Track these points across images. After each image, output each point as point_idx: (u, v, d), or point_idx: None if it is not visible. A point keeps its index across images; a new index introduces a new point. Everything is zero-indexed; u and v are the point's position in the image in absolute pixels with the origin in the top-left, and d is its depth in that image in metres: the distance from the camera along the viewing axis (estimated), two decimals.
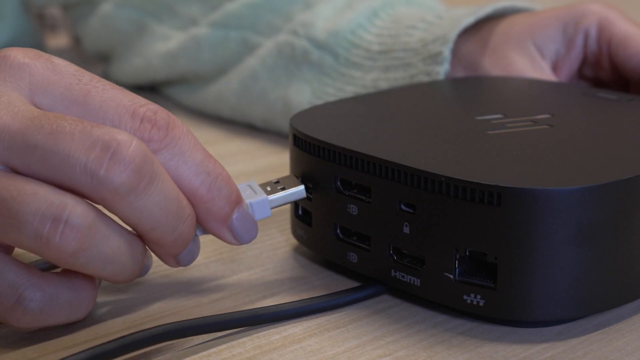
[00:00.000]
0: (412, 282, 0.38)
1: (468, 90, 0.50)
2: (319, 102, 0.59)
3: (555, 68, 0.55)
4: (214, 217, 0.37)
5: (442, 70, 0.54)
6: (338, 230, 0.40)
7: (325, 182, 0.40)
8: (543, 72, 0.53)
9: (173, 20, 0.69)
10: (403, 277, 0.38)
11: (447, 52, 0.54)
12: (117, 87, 0.35)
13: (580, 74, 0.56)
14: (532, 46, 0.54)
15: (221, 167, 0.37)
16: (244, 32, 0.64)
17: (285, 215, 0.48)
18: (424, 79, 0.54)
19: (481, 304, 0.36)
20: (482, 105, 0.47)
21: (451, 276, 0.36)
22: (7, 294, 0.33)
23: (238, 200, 0.37)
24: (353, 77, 0.58)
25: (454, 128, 0.42)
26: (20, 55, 0.35)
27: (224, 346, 0.36)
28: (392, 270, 0.38)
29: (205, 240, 0.46)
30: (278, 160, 0.59)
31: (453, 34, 0.54)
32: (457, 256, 0.36)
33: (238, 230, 0.38)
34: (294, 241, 0.46)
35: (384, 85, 0.56)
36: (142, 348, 0.34)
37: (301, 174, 0.42)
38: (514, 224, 0.34)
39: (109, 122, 0.34)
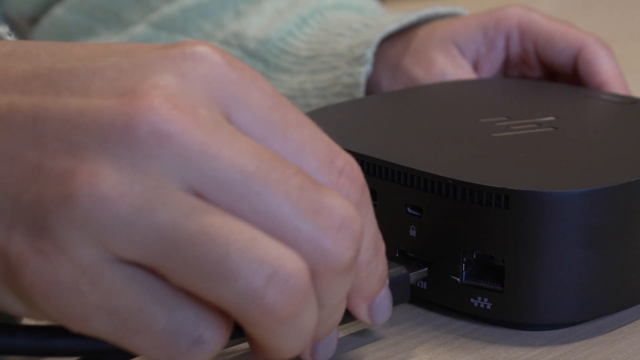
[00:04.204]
0: (418, 285, 0.38)
1: (472, 93, 0.50)
2: None
3: (476, 67, 0.56)
4: (360, 293, 0.33)
5: (363, 71, 0.55)
6: None
7: None
8: (463, 70, 0.55)
9: (119, 26, 0.69)
10: None
11: (369, 54, 0.55)
12: (308, 121, 0.30)
13: (505, 74, 0.57)
14: (453, 47, 0.55)
15: (382, 239, 0.33)
16: (174, 35, 0.65)
17: None
18: (347, 79, 0.56)
19: (488, 307, 0.36)
20: (486, 107, 0.47)
21: (458, 279, 0.36)
22: (185, 333, 0.28)
23: (385, 278, 0.33)
24: (281, 81, 0.59)
25: (459, 130, 0.42)
26: (221, 58, 0.29)
27: (225, 348, 0.36)
28: None
29: None
30: None
31: (376, 38, 0.55)
32: (464, 259, 0.36)
33: (377, 310, 0.34)
34: None
35: (309, 87, 0.58)
36: (126, 354, 0.34)
37: None
38: (522, 227, 0.35)
39: (306, 168, 0.29)
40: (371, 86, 0.57)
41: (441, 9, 0.58)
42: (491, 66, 0.56)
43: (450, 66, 0.54)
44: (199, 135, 0.27)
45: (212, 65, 0.29)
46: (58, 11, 0.73)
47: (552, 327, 0.37)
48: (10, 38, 0.33)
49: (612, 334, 0.37)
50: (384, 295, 0.34)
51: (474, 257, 0.36)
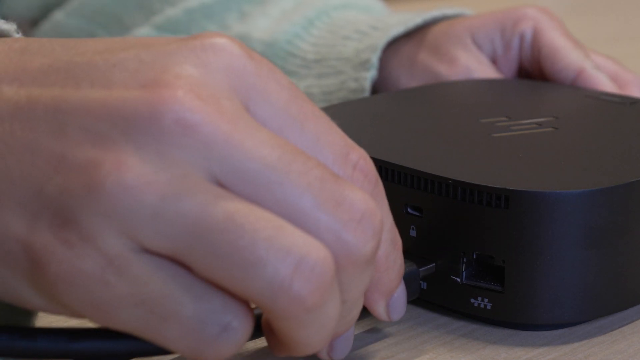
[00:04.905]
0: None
1: (472, 93, 0.51)
2: None
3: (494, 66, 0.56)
4: (379, 288, 0.33)
5: (369, 76, 0.55)
6: None
7: None
8: (487, 66, 0.54)
9: (121, 30, 0.69)
10: None
11: (374, 59, 0.55)
12: (324, 114, 0.31)
13: (519, 76, 0.57)
14: (471, 43, 0.55)
15: (398, 233, 0.33)
16: (178, 36, 0.65)
17: None
18: (352, 84, 0.56)
19: (488, 307, 0.36)
20: (486, 107, 0.47)
21: (458, 279, 0.36)
22: (213, 320, 0.28)
23: (402, 273, 0.34)
24: None
25: (459, 131, 0.42)
26: (240, 50, 0.29)
27: None
28: None
29: None
30: None
31: (382, 43, 0.55)
32: (464, 259, 0.36)
33: (394, 306, 0.34)
34: None
35: (316, 91, 0.58)
36: (147, 355, 0.34)
37: None
38: (522, 227, 0.35)
39: (322, 160, 0.30)
40: (390, 84, 0.56)
41: (448, 10, 0.58)
42: (509, 68, 0.55)
43: (473, 62, 0.54)
44: (222, 125, 0.27)
45: (232, 57, 0.29)
46: (58, 16, 0.73)
47: (552, 327, 0.37)
48: (18, 35, 0.33)
49: (612, 334, 0.37)
50: (401, 291, 0.34)
51: (474, 257, 0.36)
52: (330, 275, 0.28)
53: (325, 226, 0.28)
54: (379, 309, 0.34)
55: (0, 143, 0.28)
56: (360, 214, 0.28)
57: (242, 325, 0.28)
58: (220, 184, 0.27)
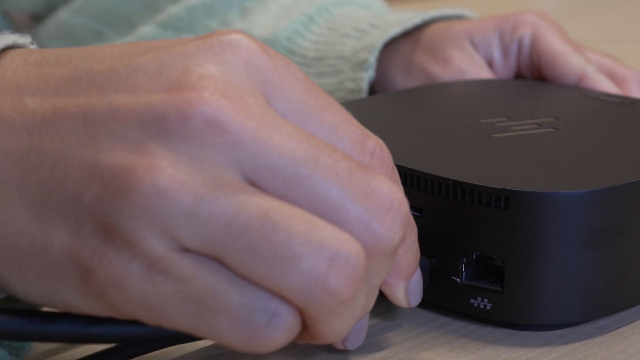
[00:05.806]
0: None
1: (472, 93, 0.51)
2: None
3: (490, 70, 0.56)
4: (399, 272, 0.33)
5: (366, 77, 0.55)
6: None
7: None
8: (481, 67, 0.54)
9: (127, 28, 0.69)
10: None
11: (372, 59, 0.55)
12: (339, 105, 0.31)
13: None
14: (468, 44, 0.55)
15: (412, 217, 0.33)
16: (181, 34, 0.65)
17: None
18: (350, 84, 0.56)
19: (488, 307, 0.36)
20: (486, 108, 0.47)
21: (458, 280, 0.36)
22: (262, 306, 0.28)
23: (419, 257, 0.34)
24: None
25: (459, 131, 0.42)
26: (256, 46, 0.30)
27: (226, 349, 0.36)
28: None
29: None
30: None
31: (379, 43, 0.55)
32: (464, 260, 0.36)
33: (412, 291, 0.35)
34: None
35: None
36: (149, 351, 0.34)
37: None
38: (522, 228, 0.35)
39: (342, 149, 0.30)
40: (386, 83, 0.56)
41: (448, 10, 0.58)
42: (506, 74, 0.55)
43: (468, 63, 0.54)
44: (250, 122, 0.28)
45: (249, 53, 0.29)
46: (62, 14, 0.73)
47: (552, 327, 0.37)
48: (33, 47, 0.33)
49: (612, 335, 0.37)
50: (418, 276, 0.35)
51: (474, 257, 0.36)
52: (363, 268, 0.28)
53: (354, 217, 0.28)
54: (399, 294, 0.34)
55: (31, 156, 0.28)
56: (388, 204, 0.29)
57: (290, 311, 0.28)
58: (251, 182, 0.28)
